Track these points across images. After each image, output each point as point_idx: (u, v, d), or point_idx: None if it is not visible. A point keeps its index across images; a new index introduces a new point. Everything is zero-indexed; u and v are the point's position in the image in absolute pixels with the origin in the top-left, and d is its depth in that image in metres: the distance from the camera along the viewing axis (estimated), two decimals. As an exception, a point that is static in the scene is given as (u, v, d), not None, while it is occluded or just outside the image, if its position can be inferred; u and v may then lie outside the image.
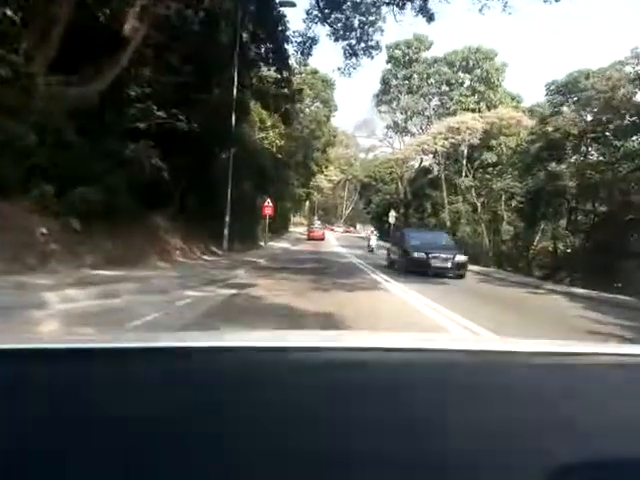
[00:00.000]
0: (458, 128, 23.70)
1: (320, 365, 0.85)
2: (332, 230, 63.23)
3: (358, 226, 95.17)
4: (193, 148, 17.17)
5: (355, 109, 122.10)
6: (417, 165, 37.81)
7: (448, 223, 28.52)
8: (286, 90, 20.14)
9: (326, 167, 45.21)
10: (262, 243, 31.04)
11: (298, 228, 65.70)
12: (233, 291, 8.92)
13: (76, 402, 0.68)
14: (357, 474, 0.56)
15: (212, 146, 18.25)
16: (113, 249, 10.12)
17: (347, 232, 75.28)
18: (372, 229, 25.78)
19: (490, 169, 23.48)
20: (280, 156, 30.17)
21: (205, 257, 15.93)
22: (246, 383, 0.76)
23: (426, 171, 32.78)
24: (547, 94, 17.27)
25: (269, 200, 31.99)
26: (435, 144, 23.76)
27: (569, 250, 16.62)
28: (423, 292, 9.98)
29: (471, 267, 19.70)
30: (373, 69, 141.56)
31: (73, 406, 0.67)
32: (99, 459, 0.55)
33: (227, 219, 18.91)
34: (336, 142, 41.87)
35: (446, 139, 23.65)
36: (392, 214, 39.65)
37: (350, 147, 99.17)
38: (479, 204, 25.70)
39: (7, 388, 0.70)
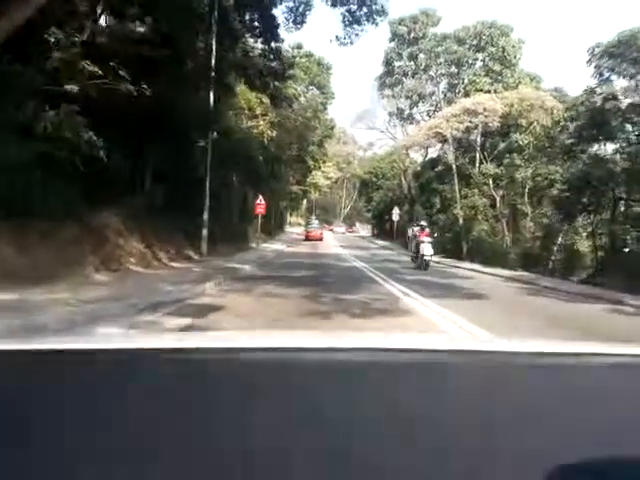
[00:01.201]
0: (474, 110, 20.56)
1: (320, 365, 0.86)
2: (331, 230, 58.33)
3: (357, 225, 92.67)
4: (162, 129, 14.07)
5: (354, 100, 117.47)
6: (423, 158, 34.68)
7: (461, 220, 25.37)
8: (275, 64, 17.01)
9: (323, 162, 42.05)
10: (254, 245, 27.91)
11: (295, 228, 62.80)
12: (185, 321, 5.82)
13: (76, 402, 0.68)
14: (357, 474, 0.56)
15: (187, 128, 15.15)
16: (16, 259, 6.97)
17: (350, 232, 71.44)
18: (423, 224, 17.62)
19: (515, 155, 20.30)
20: (272, 149, 27.03)
21: (174, 264, 12.79)
22: (245, 383, 0.76)
23: (434, 163, 29.67)
24: (590, 60, 14.18)
25: (261, 198, 28.89)
26: (449, 127, 20.60)
27: (623, 250, 13.48)
28: (468, 315, 6.85)
29: (497, 271, 16.59)
30: (374, 54, 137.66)
31: (73, 406, 0.67)
32: (100, 460, 0.55)
33: (205, 217, 15.79)
34: (333, 135, 38.71)
35: (461, 122, 20.53)
36: (396, 211, 36.52)
37: (348, 144, 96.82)
38: (498, 197, 22.58)
39: (7, 388, 0.71)
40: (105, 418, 0.64)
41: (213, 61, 15.14)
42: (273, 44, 16.71)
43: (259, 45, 17.18)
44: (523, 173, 20.88)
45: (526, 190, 21.07)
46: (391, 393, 0.76)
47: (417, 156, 39.86)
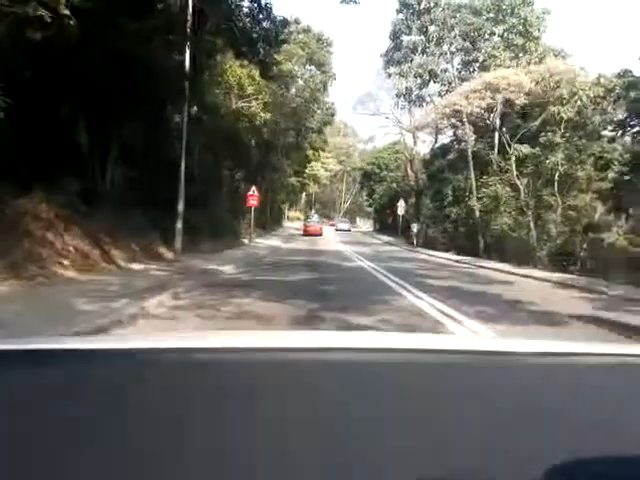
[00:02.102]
0: (497, 85, 17.75)
1: (320, 365, 0.86)
2: (333, 226, 50.83)
3: (358, 220, 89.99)
4: (129, 96, 11.31)
5: (355, 85, 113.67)
6: (432, 146, 31.87)
7: (477, 212, 22.59)
8: (266, 24, 14.20)
9: (323, 150, 39.22)
10: (246, 240, 25.16)
11: (294, 223, 60.15)
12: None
13: (76, 402, 0.68)
14: (357, 474, 0.56)
15: (159, 96, 12.39)
16: None
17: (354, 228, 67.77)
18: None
19: (550, 134, 17.46)
20: (266, 134, 24.22)
21: (133, 266, 10.03)
22: (245, 383, 0.76)
23: (445, 150, 26.87)
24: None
25: (254, 188, 26.10)
26: (469, 105, 17.78)
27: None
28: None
29: (532, 272, 13.84)
30: (377, 37, 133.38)
31: (73, 406, 0.67)
32: (100, 460, 0.55)
33: (180, 208, 13.00)
34: (333, 122, 35.83)
35: (482, 98, 17.71)
36: (401, 204, 33.71)
37: (348, 136, 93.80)
38: (522, 186, 19.80)
39: (7, 388, 0.71)
40: (105, 418, 0.64)
41: (188, 18, 12.36)
42: (263, 0, 13.89)
43: (246, 3, 14.36)
44: (553, 158, 18.09)
45: (556, 177, 18.29)
46: (391, 393, 0.76)
47: (424, 147, 37.08)
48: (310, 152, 36.04)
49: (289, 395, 0.73)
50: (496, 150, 22.50)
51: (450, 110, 18.42)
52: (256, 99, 22.31)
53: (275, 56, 16.33)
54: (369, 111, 33.54)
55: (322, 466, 0.56)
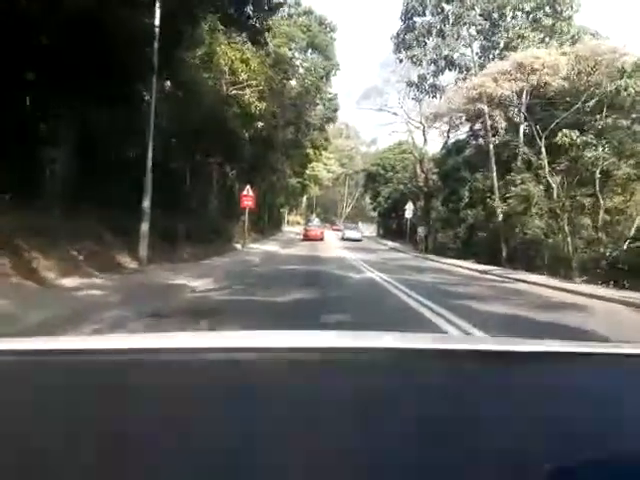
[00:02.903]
0: (531, 65, 15.09)
1: (320, 365, 0.86)
2: (338, 231, 44.74)
3: (360, 225, 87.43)
4: (75, 68, 8.75)
5: (360, 81, 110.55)
6: (444, 143, 29.20)
7: (500, 216, 19.90)
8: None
9: (325, 149, 36.52)
10: (238, 246, 22.51)
11: (294, 227, 57.50)
12: None
13: (76, 402, 0.68)
14: (356, 474, 0.56)
15: (120, 67, 9.76)
16: None
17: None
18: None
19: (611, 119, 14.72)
20: (262, 126, 21.55)
21: (64, 281, 7.32)
22: (246, 383, 0.76)
23: (460, 146, 24.21)
24: None
25: (249, 188, 23.48)
26: (498, 87, 15.08)
27: None
28: None
29: (589, 290, 11.10)
30: (381, 29, 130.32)
31: (73, 406, 0.67)
32: (100, 459, 0.55)
33: (146, 205, 10.31)
34: (336, 119, 33.21)
35: (513, 80, 15.02)
36: (409, 207, 30.99)
37: (351, 138, 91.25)
38: (555, 185, 17.11)
39: (7, 388, 0.71)
40: (105, 418, 0.64)
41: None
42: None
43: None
44: (593, 152, 15.43)
45: (597, 174, 15.61)
46: (390, 394, 0.76)
47: (434, 146, 34.41)
48: (311, 151, 33.37)
49: (288, 395, 0.72)
50: (521, 141, 19.82)
51: (476, 93, 15.73)
52: (249, 86, 19.67)
53: (270, 25, 13.66)
54: (375, 106, 30.94)
55: (321, 466, 0.56)
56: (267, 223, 37.61)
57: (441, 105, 19.86)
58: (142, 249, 10.21)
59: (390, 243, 36.91)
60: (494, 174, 20.31)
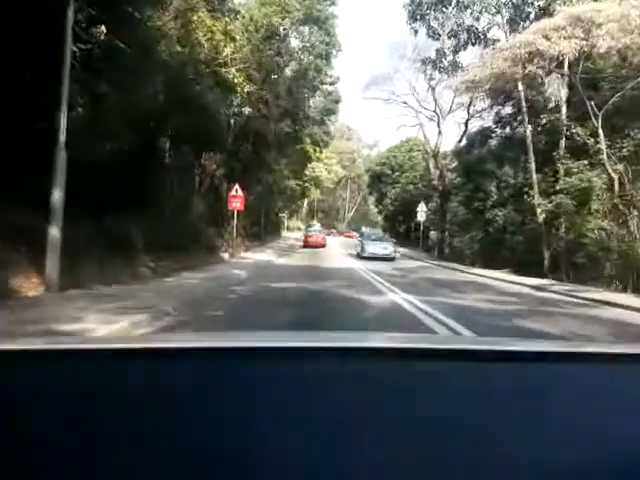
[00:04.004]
0: (591, 19, 11.56)
1: (319, 365, 0.85)
2: (349, 237, 38.81)
3: (363, 230, 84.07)
4: None
5: (365, 70, 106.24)
6: (461, 134, 25.67)
7: (541, 216, 16.34)
8: None
9: (326, 146, 32.97)
10: (226, 255, 18.96)
11: (294, 233, 54.00)
12: None
13: (76, 402, 0.68)
14: (357, 475, 0.56)
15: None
16: None
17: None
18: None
19: None
20: (250, 114, 18.03)
21: None
22: (245, 383, 0.75)
23: (485, 136, 20.68)
24: None
25: (238, 188, 19.99)
26: (553, 44, 11.49)
27: None
28: None
29: None
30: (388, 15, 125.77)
31: (73, 406, 0.67)
32: (100, 459, 0.55)
33: (57, 199, 6.71)
34: (338, 111, 29.70)
35: (570, 37, 11.47)
36: (421, 208, 27.33)
37: (352, 140, 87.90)
38: (615, 175, 13.56)
39: (9, 388, 0.71)
40: (105, 418, 0.63)
41: None
42: None
43: None
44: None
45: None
46: (389, 394, 0.75)
47: (448, 142, 30.79)
48: (310, 148, 29.83)
49: (287, 395, 0.72)
50: (563, 118, 16.23)
51: (525, 52, 12.15)
52: (233, 60, 16.14)
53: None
54: (382, 95, 27.45)
55: (322, 466, 0.55)
56: (264, 229, 34.06)
57: (473, 72, 16.21)
58: (50, 265, 6.64)
59: (399, 249, 33.29)
60: (532, 165, 16.73)
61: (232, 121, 16.52)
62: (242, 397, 0.70)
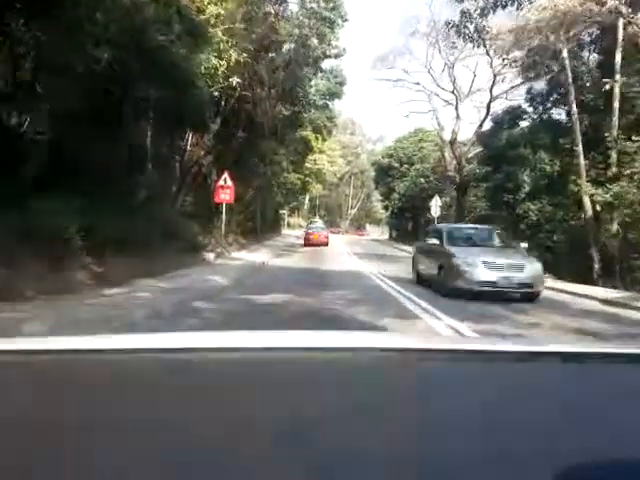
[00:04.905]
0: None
1: (317, 365, 0.86)
2: (361, 235, 34.91)
3: (368, 228, 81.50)
4: None
5: (372, 50, 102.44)
6: (479, 123, 22.73)
7: (590, 210, 13.48)
8: None
9: (329, 133, 29.96)
10: (210, 256, 16.09)
11: (295, 231, 51.30)
12: None
13: (76, 402, 0.68)
14: (357, 476, 0.55)
15: None
16: None
17: (360, 235, 57.43)
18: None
19: None
20: (239, 84, 15.12)
21: None
22: (245, 383, 0.75)
23: (516, 116, 17.74)
24: None
25: (227, 176, 17.12)
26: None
27: None
28: None
29: None
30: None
31: (73, 406, 0.67)
32: (100, 460, 0.55)
33: None
34: (343, 94, 26.70)
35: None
36: (435, 202, 24.26)
37: (356, 135, 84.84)
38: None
39: (8, 388, 0.71)
40: (105, 418, 0.63)
41: None
42: None
43: None
44: None
45: None
46: (388, 394, 0.75)
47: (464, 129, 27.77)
48: (312, 136, 26.88)
49: (287, 395, 0.72)
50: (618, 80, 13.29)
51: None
52: (218, 20, 13.21)
53: None
54: (392, 76, 24.54)
55: (321, 467, 0.55)
56: (262, 225, 31.19)
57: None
58: None
59: (408, 248, 30.32)
60: (580, 147, 13.81)
61: (217, 94, 13.62)
62: (242, 397, 0.69)
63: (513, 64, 15.98)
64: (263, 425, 0.62)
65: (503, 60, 16.35)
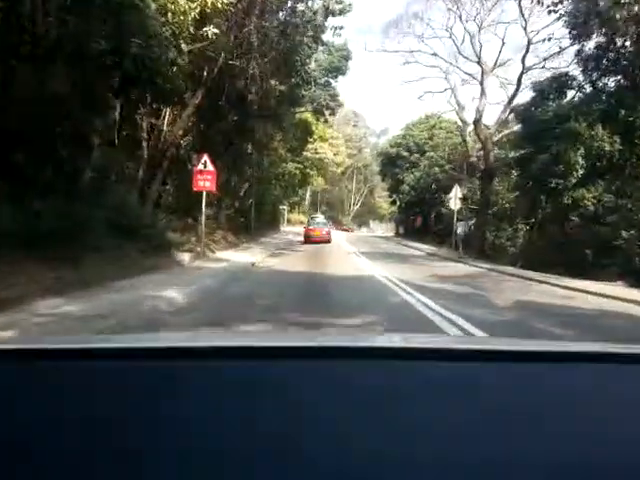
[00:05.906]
0: None
1: (316, 364, 0.85)
2: (346, 230, 33.02)
3: (371, 224, 78.62)
4: None
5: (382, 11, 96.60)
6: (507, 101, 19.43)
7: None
8: None
9: (332, 113, 26.60)
10: (186, 257, 12.85)
11: (296, 227, 48.00)
12: None
13: (76, 402, 0.68)
14: (356, 475, 0.55)
15: None
16: None
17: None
18: None
19: None
20: (216, 33, 11.82)
21: None
22: (244, 383, 0.75)
23: (562, 84, 14.38)
24: None
25: (207, 159, 13.72)
26: None
27: None
28: None
29: None
30: None
31: (73, 406, 0.67)
32: (100, 459, 0.55)
33: None
34: (348, 70, 23.33)
35: None
36: (455, 193, 20.86)
37: (359, 128, 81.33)
38: None
39: (8, 388, 0.70)
40: (105, 418, 0.63)
41: None
42: None
43: None
44: None
45: None
46: (388, 394, 0.74)
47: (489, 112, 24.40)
48: (312, 118, 23.60)
49: (285, 395, 0.71)
50: None
51: None
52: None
53: None
54: (405, 47, 21.24)
55: (323, 466, 0.55)
56: (257, 221, 27.93)
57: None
58: None
59: (420, 245, 26.96)
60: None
61: (188, 49, 10.34)
62: (242, 397, 0.69)
63: (561, 14, 12.68)
64: (263, 425, 0.61)
65: (547, 9, 13.10)
